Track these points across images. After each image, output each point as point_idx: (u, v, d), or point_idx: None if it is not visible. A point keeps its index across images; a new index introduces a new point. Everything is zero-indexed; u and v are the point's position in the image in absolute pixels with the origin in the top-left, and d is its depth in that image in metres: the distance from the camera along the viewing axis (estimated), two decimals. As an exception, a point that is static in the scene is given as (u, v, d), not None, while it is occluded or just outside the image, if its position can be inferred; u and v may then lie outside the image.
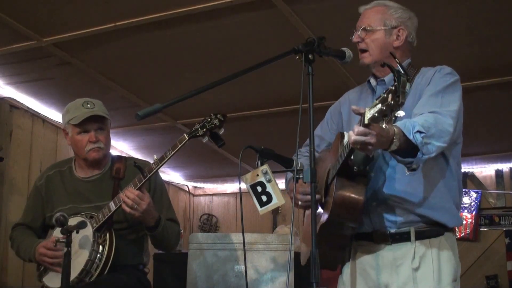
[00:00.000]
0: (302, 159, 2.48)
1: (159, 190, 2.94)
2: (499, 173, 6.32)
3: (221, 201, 7.56)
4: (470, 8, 3.35)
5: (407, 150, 1.95)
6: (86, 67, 4.17)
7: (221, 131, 2.66)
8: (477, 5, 3.33)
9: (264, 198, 2.16)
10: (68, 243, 2.44)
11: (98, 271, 2.67)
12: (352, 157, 2.04)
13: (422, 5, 3.30)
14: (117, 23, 3.57)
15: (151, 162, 2.71)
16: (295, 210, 2.08)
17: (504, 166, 6.29)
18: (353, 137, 1.83)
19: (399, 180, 2.19)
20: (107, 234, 2.73)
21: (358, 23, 2.35)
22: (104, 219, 2.73)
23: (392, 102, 1.65)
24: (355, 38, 2.32)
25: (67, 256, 2.41)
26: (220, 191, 7.56)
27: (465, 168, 6.17)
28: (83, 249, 2.71)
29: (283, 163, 2.25)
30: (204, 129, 2.63)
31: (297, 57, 2.03)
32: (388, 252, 2.20)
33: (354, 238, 2.29)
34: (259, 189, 2.16)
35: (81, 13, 3.48)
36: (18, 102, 4.65)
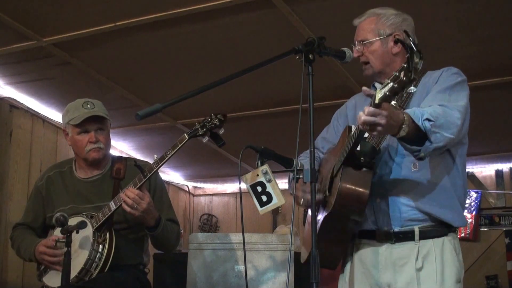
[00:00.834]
0: (305, 160, 2.48)
1: (159, 190, 2.95)
2: (499, 173, 6.32)
3: (221, 201, 7.56)
4: (470, 8, 3.35)
5: (415, 138, 1.95)
6: (86, 67, 4.17)
7: (221, 131, 2.66)
8: (477, 5, 3.33)
9: (264, 198, 2.16)
10: (68, 243, 2.44)
11: (97, 270, 2.68)
12: (358, 148, 2.04)
13: (422, 5, 3.30)
14: (117, 23, 3.57)
15: (151, 162, 2.71)
16: (295, 210, 2.08)
17: (504, 166, 6.29)
18: (363, 117, 1.83)
19: (405, 177, 2.19)
20: (107, 234, 2.74)
21: (355, 38, 2.37)
22: (104, 219, 2.73)
23: (404, 78, 1.65)
24: (355, 54, 2.32)
25: (67, 256, 2.42)
26: (220, 191, 7.56)
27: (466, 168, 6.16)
28: (83, 248, 2.71)
29: (283, 163, 2.25)
30: (204, 129, 2.64)
31: (297, 57, 2.03)
32: (391, 251, 2.20)
33: (357, 236, 2.28)
34: (259, 189, 2.16)
35: (81, 13, 3.48)
36: (18, 102, 4.65)
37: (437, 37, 3.61)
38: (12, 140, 4.59)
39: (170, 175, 6.99)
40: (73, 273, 2.61)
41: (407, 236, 2.18)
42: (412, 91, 1.70)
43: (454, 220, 2.20)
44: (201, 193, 7.67)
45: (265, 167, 2.17)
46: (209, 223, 7.37)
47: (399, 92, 1.70)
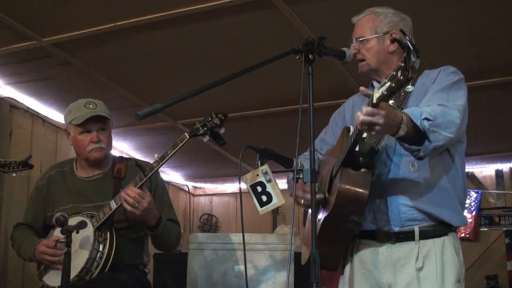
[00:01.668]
0: (304, 161, 2.48)
1: (160, 190, 2.95)
2: (499, 173, 6.32)
3: (221, 201, 7.56)
4: (470, 8, 3.35)
5: (414, 138, 1.95)
6: (86, 67, 4.17)
7: (222, 130, 2.67)
8: (477, 5, 3.33)
9: (264, 198, 2.16)
10: (68, 243, 2.44)
11: (98, 269, 2.68)
12: (357, 148, 2.04)
13: (422, 5, 3.30)
14: (117, 23, 3.56)
15: (152, 162, 2.71)
16: (295, 210, 2.08)
17: (504, 166, 6.29)
18: (361, 117, 1.83)
19: (404, 177, 2.19)
20: (108, 233, 2.74)
21: (353, 35, 2.38)
22: (105, 218, 2.74)
23: (401, 77, 1.65)
24: (352, 50, 2.33)
25: (67, 255, 2.42)
26: (220, 191, 7.56)
27: (465, 168, 6.16)
28: (83, 247, 2.72)
29: (283, 163, 2.25)
30: (205, 128, 2.64)
31: (297, 57, 2.03)
32: (391, 252, 2.19)
33: (357, 236, 2.28)
34: (259, 189, 2.16)
35: (81, 13, 3.48)
36: (18, 102, 4.64)
37: (437, 37, 3.61)
38: (12, 140, 4.59)
39: (170, 175, 6.99)
40: (74, 272, 2.62)
41: (407, 236, 2.18)
42: (410, 89, 1.69)
43: (453, 220, 2.20)
44: (201, 193, 7.67)
45: (265, 167, 2.17)
46: (209, 223, 7.37)
47: (397, 91, 1.69)
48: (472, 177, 6.34)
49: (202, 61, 4.05)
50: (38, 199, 3.01)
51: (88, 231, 2.72)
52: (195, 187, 7.62)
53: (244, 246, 2.35)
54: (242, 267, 3.08)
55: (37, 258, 2.81)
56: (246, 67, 2.05)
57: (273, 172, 2.17)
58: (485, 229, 6.19)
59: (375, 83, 2.39)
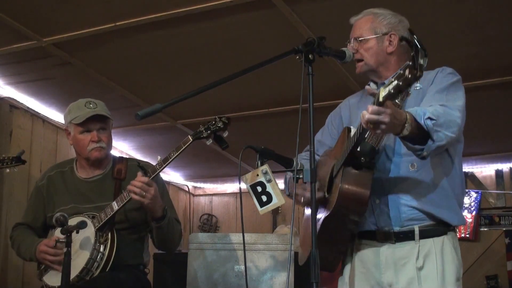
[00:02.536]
0: (302, 161, 2.48)
1: (160, 189, 2.94)
2: (499, 173, 6.32)
3: (221, 201, 7.56)
4: (470, 8, 3.35)
5: (417, 138, 1.95)
6: (86, 67, 4.17)
7: (225, 134, 2.68)
8: (477, 5, 3.33)
9: (264, 198, 2.16)
10: (68, 243, 2.45)
11: (99, 270, 2.68)
12: (358, 148, 2.04)
13: (422, 5, 3.30)
14: (117, 23, 3.57)
15: (153, 163, 2.72)
16: (295, 210, 2.08)
17: (504, 166, 6.29)
18: (367, 115, 1.82)
19: (403, 177, 2.19)
20: (109, 234, 2.74)
21: (351, 35, 2.38)
22: (106, 219, 2.74)
23: (409, 76, 1.64)
24: (350, 50, 2.33)
25: (67, 256, 2.42)
26: (220, 191, 7.56)
27: (465, 168, 6.16)
28: (84, 248, 2.72)
29: (283, 163, 2.25)
30: (209, 132, 2.66)
31: (297, 57, 2.03)
32: (391, 251, 2.20)
33: (357, 236, 2.28)
34: (259, 189, 2.16)
35: (81, 13, 3.48)
36: (18, 102, 4.65)
37: (437, 37, 3.61)
38: (12, 140, 4.59)
39: (170, 175, 6.99)
40: (75, 272, 2.62)
41: (407, 235, 2.19)
42: (418, 87, 1.69)
43: (452, 219, 2.21)
44: (201, 193, 7.67)
45: (265, 167, 2.17)
46: (209, 223, 7.37)
47: (404, 90, 1.69)
48: (472, 177, 6.33)
49: (202, 61, 4.05)
50: (38, 199, 3.01)
51: (89, 232, 2.72)
52: (195, 187, 7.62)
53: (244, 246, 2.35)
54: (242, 267, 3.08)
55: (38, 258, 2.81)
56: (246, 67, 2.05)
57: (273, 172, 2.17)
58: (485, 229, 6.19)
59: (371, 84, 2.40)
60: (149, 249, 3.05)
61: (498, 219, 6.19)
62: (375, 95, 1.81)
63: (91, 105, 2.89)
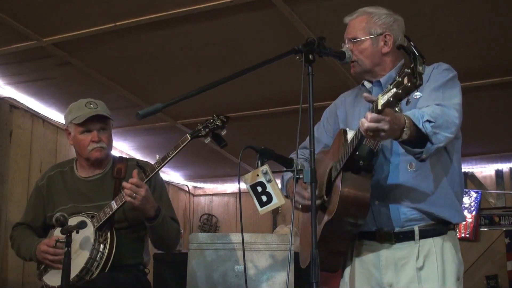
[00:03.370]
0: (299, 160, 2.48)
1: (159, 189, 2.95)
2: (499, 173, 6.32)
3: (221, 201, 7.56)
4: (470, 8, 3.35)
5: (415, 140, 1.95)
6: (86, 67, 4.17)
7: (223, 132, 2.69)
8: (477, 5, 3.33)
9: (264, 198, 2.16)
10: (68, 243, 2.45)
11: (98, 269, 2.68)
12: (357, 152, 2.04)
13: (422, 5, 3.30)
14: (117, 23, 3.56)
15: (153, 162, 2.72)
16: (295, 210, 2.08)
17: (504, 166, 6.28)
18: (366, 124, 1.82)
19: (402, 177, 2.19)
20: (108, 233, 2.75)
21: (345, 35, 2.36)
22: (105, 218, 2.74)
23: (409, 84, 1.64)
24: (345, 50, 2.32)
25: (67, 255, 2.42)
26: (220, 191, 7.56)
27: (465, 168, 6.16)
28: (84, 247, 2.72)
29: (283, 163, 2.25)
30: (207, 130, 2.66)
31: (297, 57, 2.03)
32: (391, 252, 2.20)
33: (357, 237, 2.28)
34: (259, 189, 2.16)
35: (81, 13, 3.48)
36: (18, 102, 4.64)
37: (437, 37, 3.61)
38: (12, 140, 4.59)
39: (170, 175, 6.99)
40: (74, 272, 2.62)
41: (407, 236, 2.19)
42: (418, 96, 1.69)
43: (453, 217, 2.21)
44: (201, 193, 7.67)
45: (265, 167, 2.17)
46: (209, 223, 7.37)
47: (403, 98, 1.69)
48: (472, 177, 6.33)
49: (202, 61, 4.05)
50: (38, 199, 3.01)
51: (89, 231, 2.72)
52: (195, 187, 7.62)
53: (243, 246, 2.35)
54: (242, 267, 3.08)
55: (38, 258, 2.81)
56: (246, 67, 2.05)
57: (273, 172, 2.17)
58: (485, 229, 6.19)
59: (366, 83, 2.39)
60: (149, 249, 3.05)
61: (498, 219, 6.19)
62: (373, 102, 1.81)
63: (91, 105, 2.90)
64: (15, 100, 4.62)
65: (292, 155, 2.40)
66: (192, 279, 3.14)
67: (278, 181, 2.21)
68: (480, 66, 4.01)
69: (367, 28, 2.31)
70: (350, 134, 2.12)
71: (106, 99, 3.15)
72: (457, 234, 2.34)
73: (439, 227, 2.19)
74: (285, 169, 2.25)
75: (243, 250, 2.34)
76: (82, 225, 2.55)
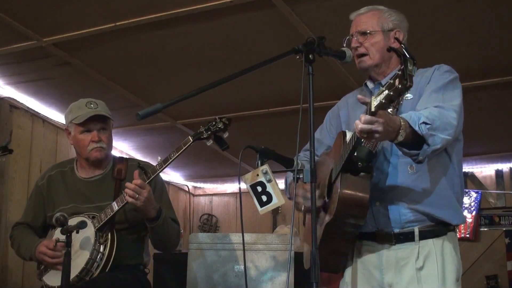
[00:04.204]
0: (302, 161, 2.48)
1: (159, 189, 2.95)
2: (499, 173, 6.32)
3: (221, 201, 7.56)
4: (470, 8, 3.35)
5: (412, 142, 1.96)
6: (86, 67, 4.17)
7: (225, 135, 2.68)
8: (477, 5, 3.33)
9: (264, 198, 2.16)
10: (68, 243, 2.45)
11: (98, 270, 2.68)
12: (355, 153, 2.04)
13: (422, 5, 3.30)
14: (117, 23, 3.57)
15: (153, 163, 2.72)
16: (295, 210, 2.08)
17: (504, 166, 6.28)
18: (360, 125, 1.83)
19: (402, 179, 2.19)
20: (109, 234, 2.75)
21: (354, 29, 2.35)
22: (106, 219, 2.74)
23: (399, 86, 1.65)
24: (353, 43, 2.31)
25: (67, 256, 2.42)
26: (220, 191, 7.56)
27: (465, 168, 6.16)
28: (84, 248, 2.72)
29: (283, 163, 2.24)
30: (209, 132, 2.66)
31: (297, 57, 2.03)
32: (392, 252, 2.20)
33: (358, 238, 2.28)
34: (259, 189, 2.16)
35: (81, 13, 3.48)
36: (18, 102, 4.65)
37: (437, 37, 3.61)
38: (12, 140, 4.58)
39: (170, 175, 6.99)
40: (74, 272, 2.62)
41: (407, 237, 2.19)
42: (409, 98, 1.71)
43: (453, 218, 2.21)
44: (201, 193, 7.67)
45: (265, 167, 2.17)
46: (209, 223, 7.37)
47: (396, 100, 1.70)
48: (472, 177, 6.33)
49: (202, 61, 4.05)
50: (38, 199, 3.01)
51: (89, 232, 2.72)
52: (195, 187, 7.62)
53: (243, 246, 2.35)
54: (242, 267, 3.08)
55: (37, 258, 2.81)
56: (246, 67, 2.05)
57: (273, 172, 2.17)
58: (485, 229, 6.19)
59: (368, 83, 2.39)
60: (149, 249, 3.05)
61: (498, 219, 6.18)
62: (367, 104, 1.81)
63: (92, 105, 2.90)
64: (15, 100, 4.62)
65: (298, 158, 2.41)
66: (192, 279, 3.14)
67: (279, 181, 2.20)
68: (480, 66, 4.01)
69: (380, 22, 2.31)
70: (349, 136, 2.12)
71: (106, 99, 3.15)
72: (457, 235, 2.34)
73: (439, 228, 2.20)
74: (285, 169, 2.25)
75: (244, 250, 2.34)
76: (82, 225, 2.55)
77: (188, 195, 7.41)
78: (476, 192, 6.25)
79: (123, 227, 2.85)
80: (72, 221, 2.66)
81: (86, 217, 2.77)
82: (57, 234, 2.69)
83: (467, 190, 6.21)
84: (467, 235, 6.11)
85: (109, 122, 2.95)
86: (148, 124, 5.20)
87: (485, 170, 6.36)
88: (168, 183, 6.87)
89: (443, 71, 2.23)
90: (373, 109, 1.76)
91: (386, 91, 1.70)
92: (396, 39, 2.21)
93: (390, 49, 1.80)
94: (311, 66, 2.01)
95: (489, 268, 6.02)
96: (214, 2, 3.32)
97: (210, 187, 7.58)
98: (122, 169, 2.94)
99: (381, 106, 1.74)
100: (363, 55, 2.32)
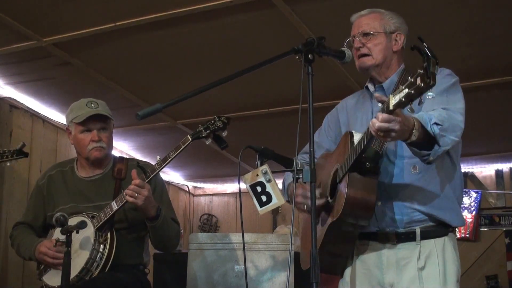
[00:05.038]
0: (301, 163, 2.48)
1: (159, 189, 2.95)
2: (499, 173, 6.32)
3: (221, 201, 7.56)
4: (470, 8, 3.35)
5: (423, 143, 1.96)
6: (86, 67, 4.17)
7: (224, 134, 2.69)
8: (477, 5, 3.33)
9: (264, 198, 2.16)
10: (68, 243, 2.45)
11: (98, 269, 2.69)
12: (364, 154, 2.04)
13: (422, 5, 3.30)
14: (117, 23, 3.56)
15: (153, 162, 2.72)
16: (295, 210, 2.08)
17: (504, 166, 6.28)
18: (377, 124, 1.82)
19: (405, 179, 2.20)
20: (109, 234, 2.75)
21: (356, 30, 2.36)
22: (106, 219, 2.74)
23: (422, 85, 1.64)
24: (356, 44, 2.32)
25: (67, 255, 2.42)
26: (220, 191, 7.56)
27: (465, 168, 6.16)
28: (84, 247, 2.72)
29: (283, 163, 2.25)
30: (208, 131, 2.66)
31: (297, 57, 2.03)
32: (393, 252, 2.21)
33: (358, 237, 2.28)
34: (259, 189, 2.16)
35: (81, 13, 3.48)
36: (18, 102, 4.64)
37: (437, 37, 3.61)
38: (12, 140, 4.58)
39: (170, 175, 6.99)
40: (74, 272, 2.62)
41: (408, 236, 2.19)
42: (431, 96, 1.69)
43: (453, 221, 2.22)
44: (201, 193, 7.67)
45: (265, 167, 2.17)
46: (209, 223, 7.37)
47: (415, 99, 1.69)
48: (472, 177, 6.33)
49: (202, 61, 4.05)
50: (38, 199, 3.01)
51: (89, 232, 2.73)
52: (195, 187, 7.62)
53: (244, 246, 2.35)
54: (242, 267, 3.08)
55: (37, 258, 2.81)
56: (246, 67, 2.05)
57: (273, 172, 2.17)
58: (485, 229, 6.19)
59: (369, 86, 2.40)
60: (149, 249, 3.05)
61: (498, 219, 6.19)
62: (383, 102, 1.81)
63: (92, 105, 2.90)
64: (15, 100, 4.62)
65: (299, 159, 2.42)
66: (192, 279, 3.14)
67: (279, 181, 2.21)
68: (480, 66, 4.01)
69: (382, 24, 2.33)
70: (357, 137, 2.12)
71: (106, 99, 3.15)
72: (456, 235, 2.35)
73: (439, 228, 2.21)
74: (284, 169, 2.25)
75: (244, 250, 2.34)
76: (82, 225, 2.55)
77: (188, 195, 7.42)
78: (476, 192, 6.25)
79: (122, 226, 2.85)
80: (72, 221, 2.66)
81: (85, 217, 2.77)
82: (57, 234, 2.69)
83: (467, 190, 6.21)
84: (467, 235, 6.11)
85: (110, 122, 2.96)
86: (148, 124, 5.20)
87: (485, 170, 6.36)
88: (168, 183, 6.87)
89: (444, 75, 2.24)
90: (391, 108, 1.76)
91: (406, 90, 1.69)
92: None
93: (413, 48, 1.80)
94: (310, 66, 2.01)
95: (489, 268, 6.02)
96: (214, 2, 3.32)
97: (210, 187, 7.59)
98: (122, 168, 2.94)
99: (400, 105, 1.73)
100: (365, 55, 2.33)
